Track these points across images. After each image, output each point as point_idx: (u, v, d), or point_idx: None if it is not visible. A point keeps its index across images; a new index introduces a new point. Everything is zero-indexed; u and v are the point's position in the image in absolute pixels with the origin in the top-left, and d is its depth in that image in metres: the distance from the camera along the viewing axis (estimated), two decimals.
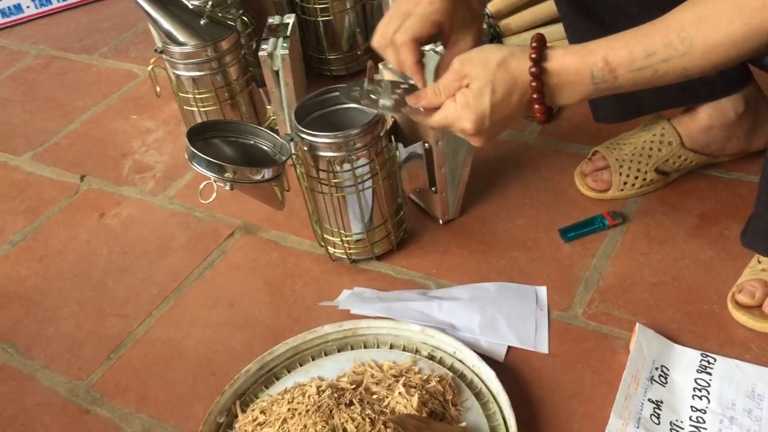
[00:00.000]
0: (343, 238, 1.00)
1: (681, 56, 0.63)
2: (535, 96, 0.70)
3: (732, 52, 0.62)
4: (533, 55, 0.68)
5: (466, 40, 0.82)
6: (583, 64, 0.67)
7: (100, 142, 1.37)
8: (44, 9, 1.81)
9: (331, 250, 1.03)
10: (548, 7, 1.32)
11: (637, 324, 0.84)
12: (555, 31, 1.32)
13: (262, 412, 0.82)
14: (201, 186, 0.89)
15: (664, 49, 0.64)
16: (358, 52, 1.39)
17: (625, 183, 1.03)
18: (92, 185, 1.27)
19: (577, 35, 0.97)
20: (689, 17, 0.63)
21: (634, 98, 1.00)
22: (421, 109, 0.76)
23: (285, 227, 1.11)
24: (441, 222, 1.06)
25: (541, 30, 1.33)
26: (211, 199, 0.88)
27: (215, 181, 0.87)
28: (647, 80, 0.66)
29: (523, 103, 0.71)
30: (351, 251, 1.02)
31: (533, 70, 0.69)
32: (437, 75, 0.82)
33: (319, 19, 1.33)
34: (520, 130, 1.21)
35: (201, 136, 0.91)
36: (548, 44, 0.70)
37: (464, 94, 0.72)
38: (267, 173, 0.88)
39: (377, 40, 0.80)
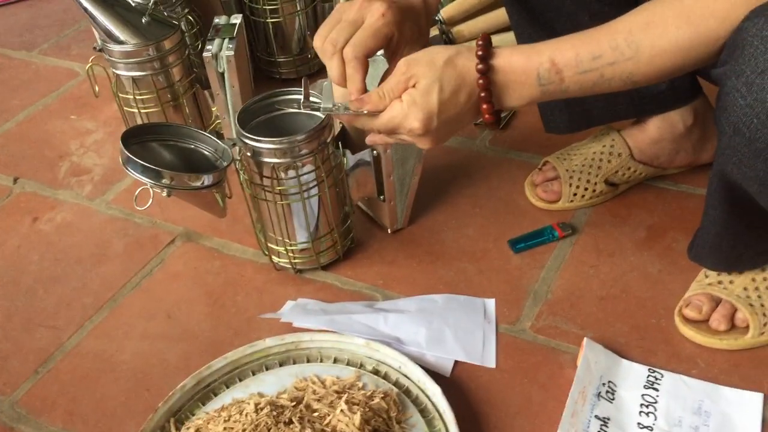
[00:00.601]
0: (288, 247, 0.97)
1: (627, 60, 0.63)
2: (482, 95, 0.69)
3: (678, 58, 0.62)
4: (480, 53, 0.68)
5: None
6: (529, 63, 0.67)
7: (35, 142, 1.31)
8: None
9: (275, 259, 1.00)
10: (501, 15, 1.31)
11: (585, 339, 0.83)
12: (508, 39, 1.31)
13: (197, 430, 0.78)
14: (137, 192, 0.85)
15: (611, 53, 0.63)
16: (309, 56, 1.36)
17: (575, 194, 1.02)
18: (26, 188, 1.21)
19: (526, 43, 0.96)
20: (637, 22, 0.63)
21: (584, 109, 0.99)
22: (365, 112, 0.73)
23: (228, 235, 1.07)
24: (389, 231, 1.03)
25: (494, 37, 1.32)
26: (147, 206, 0.84)
27: (152, 188, 0.83)
28: (593, 84, 0.66)
29: (471, 102, 0.70)
30: (296, 261, 0.98)
31: (480, 66, 0.68)
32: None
33: (269, 20, 1.29)
34: (471, 139, 1.19)
35: (138, 139, 0.87)
36: (494, 46, 0.69)
37: (410, 93, 0.70)
38: (207, 180, 0.84)
39: (323, 45, 0.76)
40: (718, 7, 0.60)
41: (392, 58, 0.79)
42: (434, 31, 1.33)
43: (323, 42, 0.76)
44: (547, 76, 0.66)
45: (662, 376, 0.80)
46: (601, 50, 0.64)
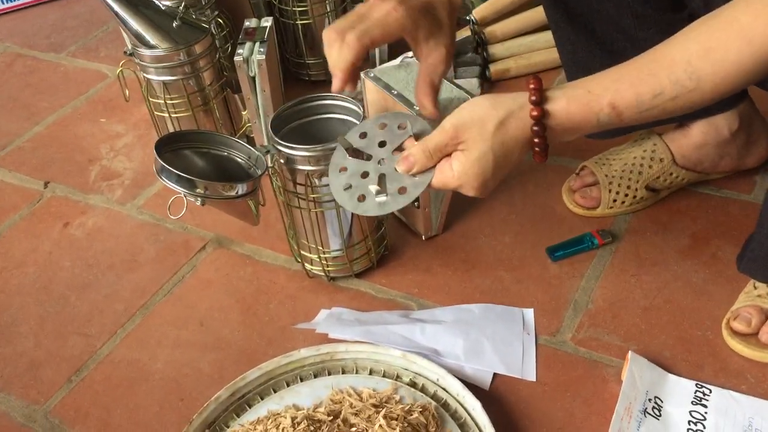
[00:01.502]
0: (321, 255, 0.95)
1: (690, 92, 0.60)
2: (537, 150, 0.67)
3: (741, 80, 0.59)
4: (535, 113, 0.64)
5: (439, 51, 0.76)
6: (589, 111, 0.64)
7: (65, 146, 1.31)
8: (11, 5, 1.74)
9: (308, 266, 0.98)
10: (535, 16, 1.29)
11: (630, 352, 0.80)
12: (542, 39, 1.28)
13: None
14: (170, 201, 0.84)
15: (672, 87, 0.60)
16: None
17: (615, 200, 1.00)
18: (56, 192, 1.21)
19: (566, 47, 0.93)
20: (695, 50, 0.59)
21: None
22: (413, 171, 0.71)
23: (260, 241, 1.06)
24: (423, 238, 1.02)
25: (528, 38, 1.30)
26: (181, 215, 0.83)
27: (186, 197, 0.81)
28: (654, 117, 0.63)
29: (524, 155, 0.68)
30: (329, 268, 0.97)
31: (536, 129, 0.65)
32: (417, 86, 0.78)
33: (298, 22, 1.27)
34: None
35: (171, 146, 0.85)
36: (545, 89, 0.65)
37: (461, 162, 0.68)
38: (241, 189, 0.83)
39: (328, 34, 0.74)
40: None
41: (419, 55, 0.78)
42: (466, 32, 1.31)
43: (330, 31, 0.74)
44: (607, 120, 0.64)
45: (710, 392, 0.78)
46: (662, 87, 0.61)
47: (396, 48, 1.28)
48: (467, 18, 1.31)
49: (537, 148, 0.67)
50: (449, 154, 0.69)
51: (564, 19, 0.91)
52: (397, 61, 1.21)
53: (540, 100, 0.64)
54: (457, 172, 0.68)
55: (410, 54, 1.27)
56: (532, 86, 0.65)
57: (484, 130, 0.66)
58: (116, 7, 1.04)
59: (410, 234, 1.03)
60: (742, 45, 0.57)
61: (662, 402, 0.77)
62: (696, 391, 0.78)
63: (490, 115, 0.66)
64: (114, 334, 0.96)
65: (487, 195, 0.71)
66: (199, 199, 0.81)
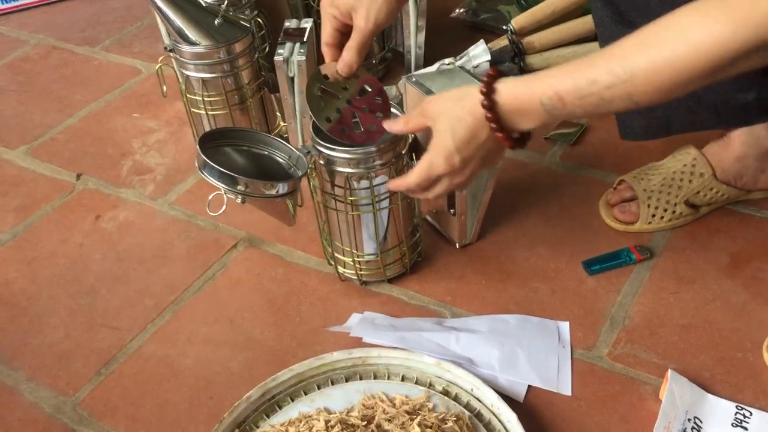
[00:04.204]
0: (355, 258, 0.95)
1: (624, 83, 0.64)
2: (493, 126, 0.73)
3: (676, 79, 0.62)
4: (483, 90, 0.72)
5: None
6: (532, 93, 0.70)
7: (98, 139, 1.31)
8: None
9: (340, 269, 0.98)
10: (573, 27, 1.28)
11: (669, 370, 0.79)
12: (580, 51, 1.27)
13: None
14: (210, 197, 0.83)
15: (606, 76, 0.65)
16: (373, 61, 1.34)
17: (653, 215, 0.98)
18: (88, 185, 1.21)
19: (608, 44, 0.92)
20: (634, 44, 0.65)
21: (664, 115, 0.95)
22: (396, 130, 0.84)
23: (291, 242, 1.05)
24: (457, 246, 1.01)
25: (566, 50, 1.29)
26: (221, 212, 0.82)
27: (225, 193, 0.81)
28: (595, 106, 0.67)
29: (491, 137, 0.74)
30: (362, 272, 0.96)
31: (485, 103, 0.72)
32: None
33: None
34: (541, 153, 1.16)
35: (213, 143, 0.85)
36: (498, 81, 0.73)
37: (431, 136, 0.77)
38: (282, 188, 0.82)
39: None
40: (716, 28, 0.60)
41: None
42: (503, 42, 1.31)
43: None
44: (551, 103, 0.69)
45: (751, 414, 0.76)
46: (597, 75, 0.66)
47: (432, 54, 1.28)
48: (505, 27, 1.31)
49: (492, 124, 0.73)
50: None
51: (609, 15, 0.90)
52: (434, 68, 1.21)
53: (492, 81, 0.72)
54: (430, 151, 0.77)
55: (447, 61, 1.27)
56: (484, 78, 0.72)
57: (444, 107, 0.76)
58: (159, 2, 1.04)
59: (444, 241, 1.02)
60: (678, 43, 0.61)
61: (702, 423, 0.76)
62: (736, 413, 0.76)
63: (451, 94, 0.77)
64: (144, 329, 0.95)
65: (463, 178, 0.78)
66: (239, 196, 0.81)
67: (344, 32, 0.87)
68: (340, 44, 0.87)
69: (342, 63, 0.86)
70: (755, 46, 0.59)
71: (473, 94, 0.73)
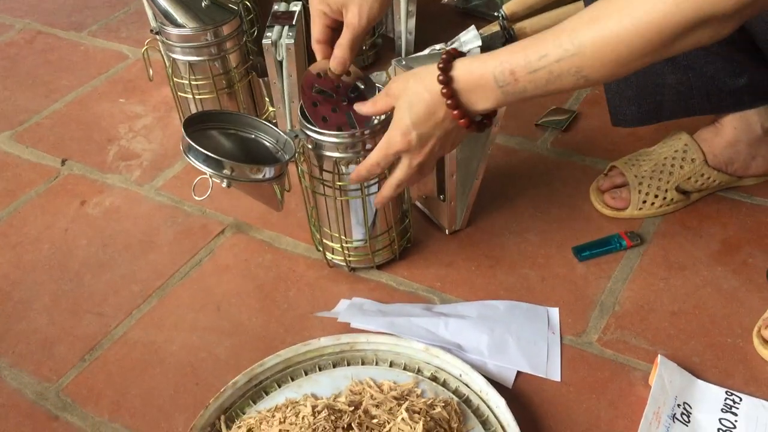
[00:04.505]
0: (344, 244, 0.94)
1: (572, 56, 0.65)
2: (448, 102, 0.73)
3: (624, 53, 0.63)
4: (440, 65, 0.72)
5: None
6: (485, 67, 0.70)
7: (84, 125, 1.29)
8: None
9: (329, 255, 0.97)
10: (565, 12, 1.27)
11: (659, 356, 0.79)
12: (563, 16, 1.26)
13: (250, 429, 0.75)
14: (195, 181, 0.82)
15: (555, 50, 0.66)
16: (363, 47, 1.32)
17: (644, 201, 0.98)
18: (74, 170, 1.19)
19: None
20: (582, 19, 0.66)
21: (655, 101, 0.94)
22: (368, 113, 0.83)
23: (279, 227, 1.04)
24: (447, 232, 1.00)
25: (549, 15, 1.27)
26: (206, 197, 0.81)
27: (211, 177, 0.80)
28: (546, 81, 0.68)
29: (449, 114, 0.74)
30: (351, 258, 0.95)
31: (441, 77, 0.72)
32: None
33: None
34: (531, 140, 1.15)
35: (198, 126, 0.84)
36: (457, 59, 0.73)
37: (394, 112, 0.77)
38: (268, 172, 0.81)
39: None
40: (659, 1, 0.60)
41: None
42: (495, 27, 1.29)
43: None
44: (503, 78, 0.69)
45: (741, 400, 0.76)
46: (547, 49, 0.66)
47: (422, 40, 1.27)
48: (496, 14, 1.29)
49: (448, 101, 0.72)
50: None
51: None
52: (425, 52, 1.20)
53: (450, 59, 0.73)
54: (390, 128, 0.78)
55: (437, 46, 1.25)
56: (443, 55, 0.73)
57: (405, 85, 0.76)
58: None
59: (434, 228, 1.01)
60: (624, 16, 0.62)
61: (691, 408, 0.75)
62: (726, 398, 0.76)
63: (413, 72, 0.77)
64: (129, 315, 0.94)
65: (424, 157, 0.77)
66: (225, 180, 0.79)
67: (334, 28, 0.86)
68: (331, 41, 0.86)
69: (335, 61, 0.85)
70: (699, 20, 0.60)
71: (432, 71, 0.73)
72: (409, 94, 0.75)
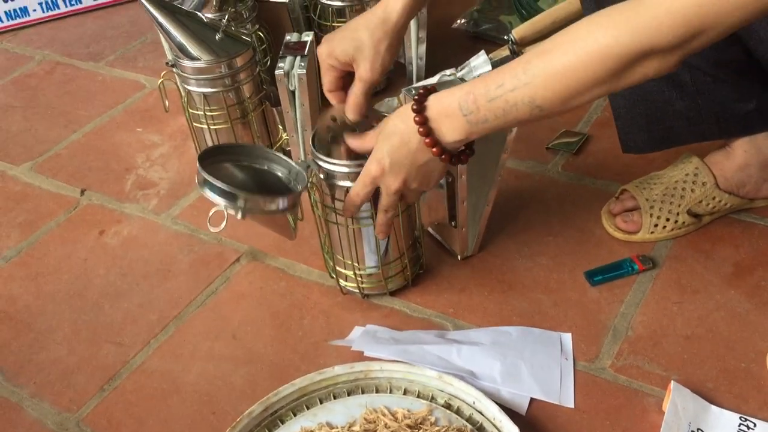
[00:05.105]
0: (357, 272, 0.95)
1: (525, 85, 0.68)
2: (420, 130, 0.76)
3: (571, 83, 0.66)
4: (415, 97, 0.76)
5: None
6: (453, 98, 0.74)
7: (102, 154, 1.32)
8: (51, 13, 1.76)
9: (342, 282, 0.98)
10: None
11: (672, 382, 0.79)
12: None
13: None
14: (210, 213, 0.83)
15: (510, 80, 0.69)
16: None
17: (656, 225, 0.98)
18: (93, 200, 1.22)
19: None
20: (536, 52, 0.69)
21: (665, 127, 0.95)
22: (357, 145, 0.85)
23: (294, 255, 1.06)
24: (459, 258, 1.01)
25: None
26: (221, 228, 0.83)
27: (226, 209, 0.81)
28: (503, 110, 0.71)
29: (421, 144, 0.77)
30: (364, 285, 0.96)
31: (414, 107, 0.76)
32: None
33: None
34: (542, 163, 1.16)
35: (212, 159, 0.85)
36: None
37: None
38: (282, 203, 0.82)
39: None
40: (600, 35, 0.63)
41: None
42: (504, 52, 1.31)
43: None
44: (467, 106, 0.72)
45: (755, 425, 0.76)
46: (504, 79, 0.70)
47: (433, 64, 1.28)
48: (506, 37, 1.31)
49: (420, 128, 0.75)
50: None
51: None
52: (435, 79, 1.21)
53: (427, 93, 0.76)
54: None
55: (448, 72, 1.27)
56: (420, 90, 0.77)
57: (387, 119, 0.80)
58: (160, 18, 1.04)
59: (446, 253, 1.02)
60: (569, 48, 0.65)
61: None
62: (740, 424, 0.76)
63: (399, 109, 0.79)
64: (147, 344, 0.96)
65: (399, 184, 0.80)
66: (239, 212, 0.81)
67: (345, 76, 0.90)
68: (343, 87, 0.90)
69: (351, 110, 0.88)
70: (640, 52, 0.63)
71: (409, 105, 0.77)
72: (388, 126, 0.79)
